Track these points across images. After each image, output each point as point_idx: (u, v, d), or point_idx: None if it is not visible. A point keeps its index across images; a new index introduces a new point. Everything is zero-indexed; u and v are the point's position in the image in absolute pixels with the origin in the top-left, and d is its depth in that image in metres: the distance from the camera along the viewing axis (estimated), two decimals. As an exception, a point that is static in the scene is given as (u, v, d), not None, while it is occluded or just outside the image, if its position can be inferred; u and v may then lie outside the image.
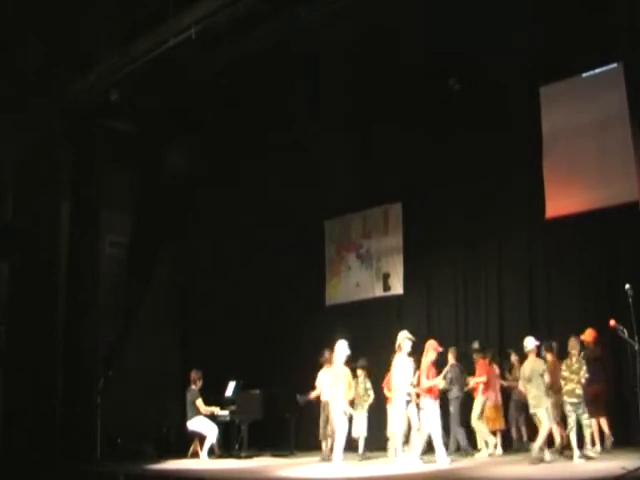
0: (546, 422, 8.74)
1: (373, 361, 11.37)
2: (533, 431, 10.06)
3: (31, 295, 11.66)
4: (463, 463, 9.46)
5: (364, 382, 11.02)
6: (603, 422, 9.30)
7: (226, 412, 11.96)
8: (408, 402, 9.45)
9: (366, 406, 10.94)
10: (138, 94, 12.29)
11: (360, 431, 10.82)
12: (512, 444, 10.60)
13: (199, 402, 11.67)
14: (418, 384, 9.49)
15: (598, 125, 10.53)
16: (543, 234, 11.24)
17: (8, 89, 11.77)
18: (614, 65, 10.28)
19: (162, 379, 13.83)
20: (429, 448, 9.64)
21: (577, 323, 9.89)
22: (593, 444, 9.09)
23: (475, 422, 10.34)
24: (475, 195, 12.00)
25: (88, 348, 12.31)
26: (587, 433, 8.91)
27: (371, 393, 11.02)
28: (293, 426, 11.90)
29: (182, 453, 12.00)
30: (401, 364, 9.56)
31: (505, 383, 10.71)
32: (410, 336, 9.60)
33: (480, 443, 10.32)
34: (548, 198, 10.94)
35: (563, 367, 8.98)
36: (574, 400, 8.81)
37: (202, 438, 11.59)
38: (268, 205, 14.00)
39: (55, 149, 12.43)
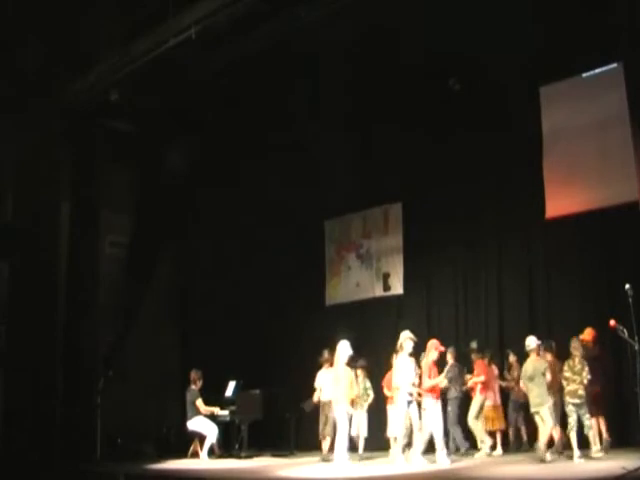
0: (549, 420, 8.76)
1: (373, 361, 11.38)
2: (533, 431, 10.11)
3: (31, 295, 11.66)
4: (463, 463, 9.45)
5: (364, 382, 11.02)
6: (601, 422, 9.30)
7: (226, 412, 11.95)
8: (409, 402, 9.45)
9: (365, 406, 10.94)
10: (138, 94, 12.29)
11: (360, 431, 10.83)
12: (512, 444, 10.60)
13: (199, 402, 11.67)
14: (420, 384, 9.50)
15: (598, 125, 10.53)
16: (543, 234, 11.24)
17: (8, 89, 11.77)
18: (614, 65, 10.28)
19: (162, 379, 13.83)
20: (429, 448, 9.64)
21: (577, 323, 9.88)
22: (593, 444, 9.10)
23: (472, 421, 10.35)
24: (475, 195, 12.01)
25: (88, 348, 12.31)
26: (591, 434, 8.90)
27: (371, 393, 11.03)
28: (293, 426, 11.90)
29: (182, 453, 12.00)
30: (403, 364, 9.56)
31: (504, 383, 10.71)
32: (412, 336, 9.59)
33: (479, 443, 10.32)
34: (548, 198, 10.94)
35: (565, 368, 8.98)
36: (576, 401, 8.81)
37: (202, 438, 11.59)
38: (268, 205, 14.00)
39: (55, 149, 12.43)
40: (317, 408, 11.13)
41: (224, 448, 12.01)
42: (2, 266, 12.17)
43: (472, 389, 10.50)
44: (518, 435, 10.63)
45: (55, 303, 12.11)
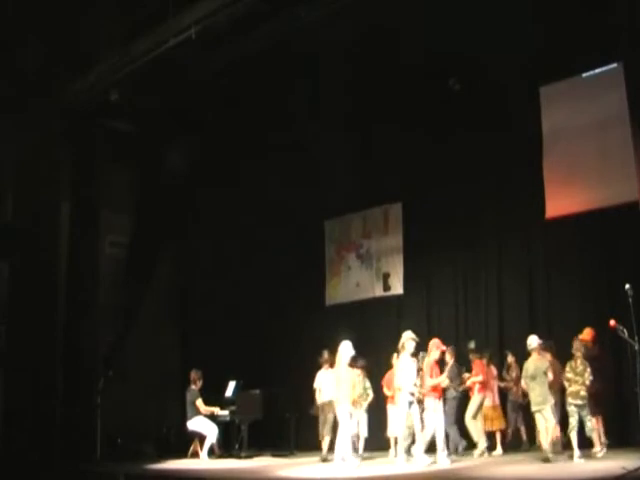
0: (552, 419, 8.77)
1: (373, 361, 11.38)
2: (532, 431, 10.11)
3: (31, 295, 11.66)
4: (463, 463, 9.46)
5: (363, 382, 11.00)
6: (599, 422, 9.30)
7: (226, 412, 11.95)
8: (411, 403, 9.44)
9: (365, 405, 10.93)
10: (138, 94, 12.28)
11: (360, 431, 10.82)
12: (511, 444, 10.60)
13: (199, 402, 11.67)
14: (422, 384, 9.49)
15: (598, 125, 10.53)
16: (543, 234, 11.24)
17: (8, 89, 11.77)
18: (614, 65, 10.28)
19: (162, 379, 13.83)
20: (429, 448, 9.63)
21: (577, 323, 9.88)
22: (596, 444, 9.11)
23: (469, 421, 10.35)
24: (475, 195, 12.01)
25: (88, 348, 12.31)
26: (594, 435, 8.90)
27: (370, 392, 11.02)
28: (293, 426, 11.91)
29: (182, 453, 12.01)
30: (404, 364, 9.55)
31: (502, 384, 10.71)
32: (414, 336, 9.57)
33: (479, 443, 10.32)
34: (548, 198, 10.94)
35: (567, 369, 8.99)
36: (579, 402, 8.81)
37: (202, 438, 11.59)
38: (268, 205, 14.01)
39: (55, 149, 12.43)
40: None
41: (224, 448, 12.01)
42: (2, 266, 12.17)
43: (470, 389, 10.50)
44: (517, 435, 10.63)
45: (55, 303, 12.11)
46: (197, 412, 11.63)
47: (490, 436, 10.44)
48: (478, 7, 9.94)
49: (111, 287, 13.11)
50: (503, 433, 10.56)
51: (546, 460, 8.56)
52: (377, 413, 11.17)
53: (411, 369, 9.50)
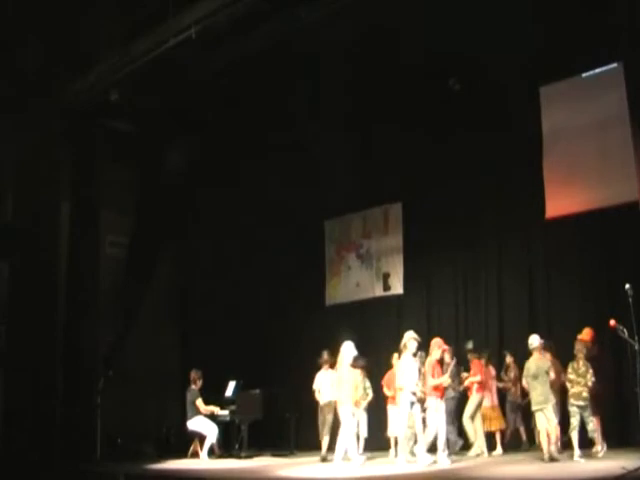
0: (553, 419, 8.78)
1: (373, 361, 11.37)
2: (532, 431, 10.12)
3: (31, 295, 11.66)
4: (463, 463, 9.46)
5: (363, 382, 11.00)
6: (598, 422, 9.30)
7: (226, 412, 11.95)
8: (412, 402, 9.42)
9: (364, 404, 10.93)
10: (138, 94, 12.28)
11: (360, 431, 10.82)
12: (511, 444, 10.60)
13: (199, 402, 11.67)
14: (424, 383, 9.48)
15: (598, 125, 10.53)
16: (543, 234, 11.25)
17: (8, 89, 11.77)
18: (614, 65, 10.27)
19: (162, 379, 13.84)
20: (430, 448, 9.63)
21: (577, 323, 9.89)
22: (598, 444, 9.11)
23: (466, 421, 10.34)
24: (475, 195, 12.01)
25: (88, 348, 12.30)
26: (595, 436, 8.90)
27: (370, 392, 11.02)
28: (293, 426, 11.91)
29: (182, 453, 12.00)
30: (406, 364, 9.54)
31: (500, 384, 10.71)
32: (416, 336, 9.57)
33: (480, 442, 10.33)
34: (548, 198, 10.94)
35: (569, 370, 9.00)
36: (581, 403, 8.83)
37: (202, 438, 11.59)
38: (268, 205, 14.01)
39: (55, 149, 12.42)
40: (314, 405, 11.12)
41: (224, 448, 12.00)
42: (2, 266, 12.16)
43: (469, 389, 10.49)
44: (517, 435, 10.63)
45: (55, 303, 12.10)
46: (197, 412, 11.64)
47: (489, 436, 10.44)
48: (478, 7, 9.94)
49: (111, 287, 13.10)
50: (502, 433, 10.56)
51: (553, 460, 8.57)
52: (377, 413, 11.17)
53: (413, 369, 9.50)
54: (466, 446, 10.47)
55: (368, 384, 11.04)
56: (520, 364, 9.96)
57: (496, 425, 10.47)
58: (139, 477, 10.11)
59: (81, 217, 12.72)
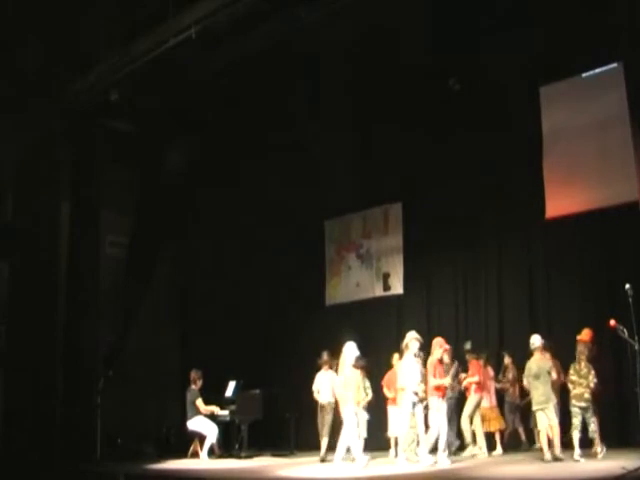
0: (555, 419, 8.78)
1: (373, 361, 11.36)
2: (531, 431, 10.13)
3: (31, 295, 11.66)
4: (463, 463, 9.46)
5: (363, 381, 10.99)
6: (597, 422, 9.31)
7: (226, 412, 11.94)
8: (415, 403, 9.41)
9: (363, 403, 10.91)
10: (138, 94, 12.28)
11: (360, 431, 10.80)
12: (510, 445, 10.60)
13: (199, 402, 11.67)
14: (426, 384, 9.47)
15: (598, 125, 10.53)
16: (543, 234, 11.25)
17: (8, 89, 11.77)
18: (614, 65, 10.28)
19: (162, 379, 13.84)
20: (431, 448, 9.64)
21: (577, 323, 9.88)
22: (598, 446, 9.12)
23: (464, 421, 10.34)
24: (475, 195, 12.02)
25: (88, 348, 12.30)
26: (596, 436, 8.90)
27: (369, 392, 11.01)
28: (293, 426, 11.90)
29: (182, 453, 12.00)
30: (408, 364, 9.52)
31: (498, 385, 10.70)
32: (418, 336, 9.56)
33: (479, 441, 10.33)
34: (548, 198, 10.94)
35: (571, 371, 9.00)
36: (582, 404, 8.83)
37: (202, 438, 11.59)
38: (268, 205, 14.01)
39: (55, 149, 12.42)
40: (314, 405, 11.12)
41: (224, 448, 12.00)
42: (2, 266, 12.16)
43: (467, 389, 10.49)
44: (516, 436, 10.63)
45: (55, 303, 12.10)
46: (197, 412, 11.63)
47: (489, 437, 10.44)
48: (478, 7, 9.94)
49: (111, 287, 13.10)
50: (502, 433, 10.56)
51: (557, 459, 8.58)
52: (377, 413, 11.16)
53: (415, 369, 9.47)
54: (462, 447, 10.45)
55: (368, 384, 11.02)
56: (519, 364, 9.96)
57: (495, 426, 10.47)
58: (139, 477, 10.11)
59: (81, 217, 12.72)
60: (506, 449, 10.44)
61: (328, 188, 13.26)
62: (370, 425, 10.97)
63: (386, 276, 13.18)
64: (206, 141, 13.92)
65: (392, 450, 10.71)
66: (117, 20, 11.61)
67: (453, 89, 11.42)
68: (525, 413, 10.43)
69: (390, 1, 10.08)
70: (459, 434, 10.50)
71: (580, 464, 8.34)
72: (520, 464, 8.97)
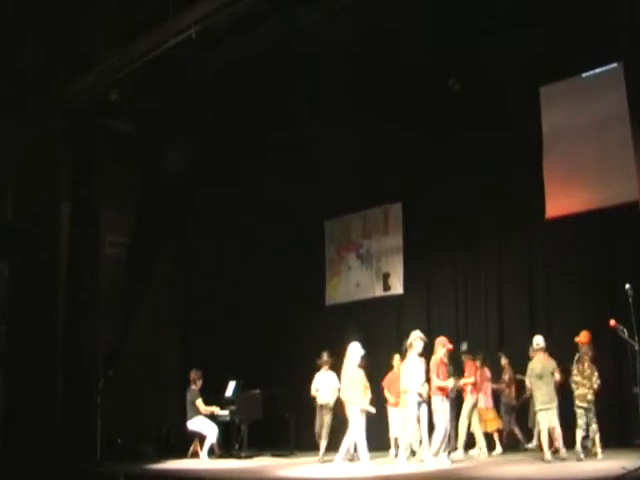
0: (556, 419, 8.77)
1: (373, 361, 11.35)
2: (530, 432, 10.13)
3: (31, 295, 11.66)
4: (463, 463, 9.47)
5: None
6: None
7: (226, 412, 11.94)
8: (420, 403, 9.38)
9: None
10: (138, 94, 12.28)
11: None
12: (509, 445, 10.60)
13: (199, 402, 11.67)
14: (429, 383, 9.44)
15: (598, 125, 10.53)
16: (543, 234, 11.25)
17: (8, 89, 11.77)
18: (614, 65, 10.28)
19: (162, 379, 13.84)
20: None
21: (577, 323, 9.89)
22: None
23: (462, 422, 10.32)
24: (475, 195, 12.02)
25: (88, 348, 12.30)
26: (597, 437, 8.91)
27: (368, 392, 10.99)
28: (293, 426, 11.91)
29: (182, 453, 12.00)
30: (412, 364, 9.47)
31: (494, 386, 10.69)
32: (422, 336, 9.50)
33: (479, 442, 10.32)
34: (548, 198, 10.94)
35: (575, 372, 8.99)
36: (585, 405, 8.82)
37: (202, 438, 11.59)
38: (268, 205, 14.01)
39: (55, 149, 12.43)
40: (313, 405, 11.11)
41: (224, 448, 12.00)
42: (2, 266, 12.16)
43: (463, 390, 10.48)
44: (512, 437, 10.63)
45: (55, 303, 12.10)
46: (197, 412, 11.64)
47: (488, 437, 10.43)
48: (478, 7, 9.94)
49: (111, 287, 13.10)
50: (500, 433, 10.55)
51: (562, 459, 8.58)
52: (377, 413, 11.14)
53: (419, 369, 9.42)
54: (455, 447, 10.43)
55: (367, 384, 11.02)
56: (519, 364, 9.97)
57: (492, 426, 10.48)
58: (139, 477, 10.11)
59: (81, 217, 12.72)
60: (506, 449, 10.44)
61: (328, 188, 13.26)
62: (370, 425, 10.97)
63: (386, 276, 13.18)
64: (206, 141, 13.92)
65: (392, 450, 10.70)
66: (117, 20, 11.61)
67: (453, 89, 11.42)
68: (521, 414, 10.45)
69: (390, 1, 10.08)
70: (455, 435, 10.48)
71: (580, 464, 8.34)
72: (520, 464, 8.97)
